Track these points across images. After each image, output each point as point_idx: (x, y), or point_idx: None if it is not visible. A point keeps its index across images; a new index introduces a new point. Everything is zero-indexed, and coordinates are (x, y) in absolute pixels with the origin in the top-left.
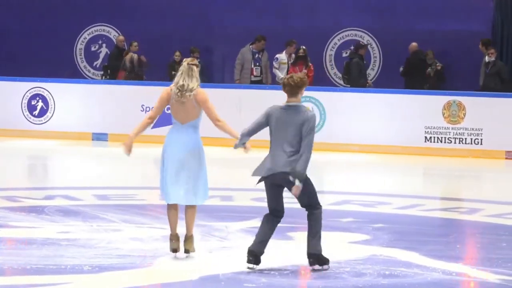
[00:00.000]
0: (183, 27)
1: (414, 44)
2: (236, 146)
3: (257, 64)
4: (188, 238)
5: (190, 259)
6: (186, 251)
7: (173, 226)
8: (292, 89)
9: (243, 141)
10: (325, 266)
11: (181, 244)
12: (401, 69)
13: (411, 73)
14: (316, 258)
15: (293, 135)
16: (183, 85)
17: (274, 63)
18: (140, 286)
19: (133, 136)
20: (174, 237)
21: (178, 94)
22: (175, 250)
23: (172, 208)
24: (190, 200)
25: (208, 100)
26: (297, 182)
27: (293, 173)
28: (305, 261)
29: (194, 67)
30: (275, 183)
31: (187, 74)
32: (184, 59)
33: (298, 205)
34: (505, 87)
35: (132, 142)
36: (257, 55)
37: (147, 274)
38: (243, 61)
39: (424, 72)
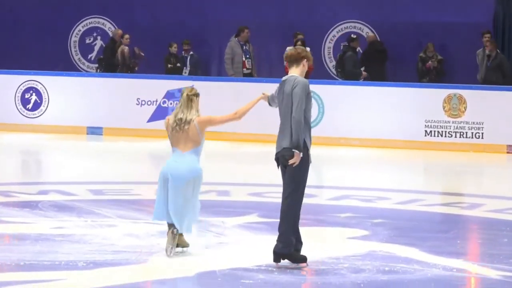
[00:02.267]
0: (178, 20)
1: (371, 35)
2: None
3: (247, 56)
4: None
5: (186, 255)
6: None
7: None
8: (291, 59)
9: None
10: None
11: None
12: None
13: (368, 65)
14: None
15: (286, 107)
16: (180, 118)
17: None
18: (135, 283)
19: None
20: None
21: (176, 128)
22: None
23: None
24: (176, 223)
25: (211, 116)
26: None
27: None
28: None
29: (194, 98)
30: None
31: (186, 106)
32: (184, 88)
33: None
34: (507, 81)
35: None
36: (244, 47)
37: (143, 270)
38: (233, 55)
39: (382, 63)
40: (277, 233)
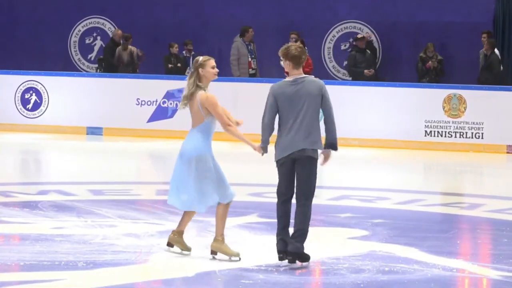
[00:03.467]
0: (178, 20)
1: (364, 35)
2: (264, 151)
3: (252, 56)
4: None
5: (185, 255)
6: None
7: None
8: (297, 60)
9: (266, 144)
10: (305, 263)
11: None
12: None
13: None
14: (298, 256)
15: (310, 107)
16: (184, 95)
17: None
18: (135, 283)
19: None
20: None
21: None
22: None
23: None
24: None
25: (216, 104)
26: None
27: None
28: None
29: (198, 69)
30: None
31: (188, 79)
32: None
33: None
34: (496, 80)
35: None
36: (249, 47)
37: (142, 270)
38: (239, 56)
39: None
40: (275, 233)
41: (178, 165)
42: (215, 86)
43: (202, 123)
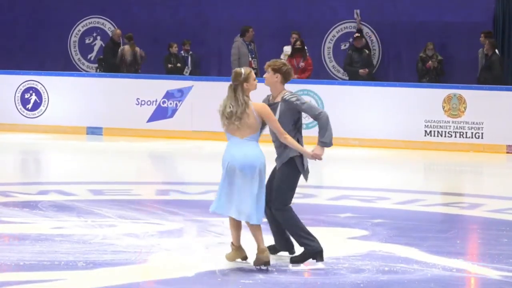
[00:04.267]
0: (177, 19)
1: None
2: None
3: (253, 55)
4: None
5: (186, 255)
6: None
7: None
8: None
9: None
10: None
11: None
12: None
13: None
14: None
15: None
16: (231, 111)
17: (282, 56)
18: (135, 283)
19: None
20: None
21: (226, 122)
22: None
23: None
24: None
25: (272, 118)
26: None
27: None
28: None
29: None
30: None
31: (232, 98)
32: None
33: (294, 200)
34: (496, 82)
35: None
36: (249, 47)
37: (142, 270)
38: (240, 55)
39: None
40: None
41: (239, 178)
42: (215, 86)
43: (256, 133)
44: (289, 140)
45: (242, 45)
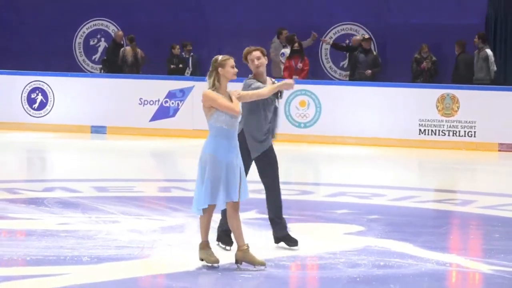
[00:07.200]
0: (179, 21)
1: (357, 38)
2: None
3: (282, 56)
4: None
5: (187, 250)
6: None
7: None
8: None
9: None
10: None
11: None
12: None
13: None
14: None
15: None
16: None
17: (281, 58)
18: (138, 277)
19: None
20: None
21: None
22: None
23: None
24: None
25: (215, 99)
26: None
27: None
28: (301, 252)
29: (213, 70)
30: None
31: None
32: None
33: (292, 196)
34: (461, 79)
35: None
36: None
37: (145, 265)
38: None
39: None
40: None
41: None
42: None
43: (209, 122)
44: (244, 93)
45: (279, 46)
